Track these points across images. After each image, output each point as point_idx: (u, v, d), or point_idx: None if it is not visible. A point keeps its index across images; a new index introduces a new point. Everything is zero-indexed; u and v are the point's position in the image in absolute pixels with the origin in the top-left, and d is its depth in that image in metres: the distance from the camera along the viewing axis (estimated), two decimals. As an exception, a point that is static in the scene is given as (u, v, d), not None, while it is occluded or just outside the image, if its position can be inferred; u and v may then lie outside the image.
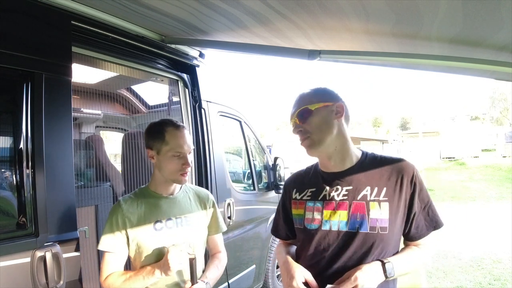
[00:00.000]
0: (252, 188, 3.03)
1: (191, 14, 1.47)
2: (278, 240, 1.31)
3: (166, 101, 2.69)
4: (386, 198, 0.99)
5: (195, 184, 2.14)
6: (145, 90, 3.29)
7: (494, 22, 0.96)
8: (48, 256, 1.16)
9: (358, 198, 1.00)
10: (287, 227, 1.20)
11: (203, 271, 1.31)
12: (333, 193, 1.04)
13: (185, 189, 1.37)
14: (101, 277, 1.18)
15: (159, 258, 1.18)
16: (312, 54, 1.67)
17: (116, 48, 1.72)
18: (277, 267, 3.21)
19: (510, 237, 5.01)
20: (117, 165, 2.73)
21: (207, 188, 2.18)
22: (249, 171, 3.07)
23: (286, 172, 3.19)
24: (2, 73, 1.17)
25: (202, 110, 2.24)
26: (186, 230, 1.27)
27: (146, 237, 1.19)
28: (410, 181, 1.00)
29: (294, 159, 9.11)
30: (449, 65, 1.46)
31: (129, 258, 1.24)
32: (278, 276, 3.23)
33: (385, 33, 1.30)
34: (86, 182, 2.24)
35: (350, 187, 1.02)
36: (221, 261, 1.40)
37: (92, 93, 2.72)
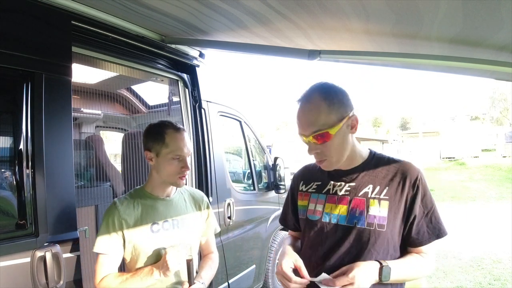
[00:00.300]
0: (252, 188, 3.02)
1: (191, 14, 1.47)
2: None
3: (166, 101, 2.69)
4: (387, 197, 0.99)
5: (195, 185, 2.15)
6: (145, 90, 3.30)
7: (494, 22, 0.96)
8: (48, 256, 1.16)
9: (359, 195, 1.02)
10: (294, 217, 1.21)
11: (197, 272, 1.32)
12: (337, 188, 1.06)
13: (180, 191, 1.37)
14: (95, 279, 1.16)
15: (156, 259, 1.18)
16: (312, 54, 1.67)
17: (116, 48, 1.72)
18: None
19: (510, 237, 5.01)
20: (117, 165, 2.73)
21: (207, 188, 2.18)
22: (249, 171, 3.07)
23: (286, 172, 3.19)
24: (2, 73, 1.17)
25: (202, 110, 2.24)
26: (182, 232, 1.27)
27: (143, 239, 1.19)
28: (413, 184, 1.00)
29: (294, 159, 9.11)
30: (449, 65, 1.46)
31: (123, 260, 1.24)
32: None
33: (385, 33, 1.30)
34: (86, 182, 2.25)
35: (353, 184, 1.04)
36: (214, 261, 1.41)
37: (92, 93, 2.72)
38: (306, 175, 1.20)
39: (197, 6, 1.37)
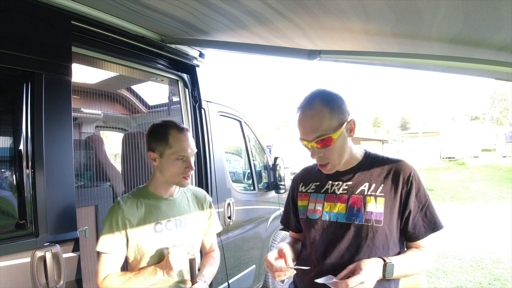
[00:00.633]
0: (252, 188, 3.02)
1: (191, 14, 1.47)
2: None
3: (166, 101, 2.69)
4: (383, 194, 1.04)
5: (195, 185, 2.14)
6: (145, 90, 3.29)
7: (494, 22, 0.96)
8: (48, 256, 1.16)
9: (356, 193, 1.07)
10: (295, 218, 1.24)
11: (199, 269, 1.32)
12: (335, 187, 1.11)
13: (183, 190, 1.37)
14: (98, 278, 1.16)
15: (159, 259, 1.18)
16: (312, 54, 1.67)
17: (116, 48, 1.72)
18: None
19: (510, 237, 5.01)
20: (117, 165, 2.73)
21: (207, 188, 2.18)
22: (249, 171, 3.07)
23: (286, 172, 3.19)
24: (2, 73, 1.17)
25: (202, 110, 2.24)
26: (185, 231, 1.27)
27: (146, 238, 1.19)
28: (406, 180, 1.04)
29: (294, 159, 9.11)
30: (449, 65, 1.46)
31: (126, 258, 1.24)
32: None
33: (385, 33, 1.30)
34: (86, 182, 2.24)
35: (350, 183, 1.09)
36: (215, 259, 1.42)
37: (92, 93, 2.71)
38: (305, 176, 1.24)
39: (197, 6, 1.37)
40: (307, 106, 1.04)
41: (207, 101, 2.31)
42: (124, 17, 1.63)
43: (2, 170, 1.23)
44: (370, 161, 1.11)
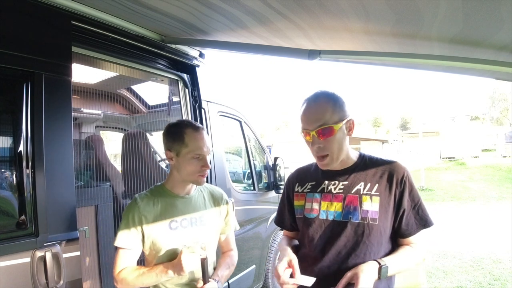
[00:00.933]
0: (252, 188, 3.02)
1: (191, 14, 1.47)
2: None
3: (166, 101, 2.69)
4: (378, 193, 1.09)
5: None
6: (145, 90, 3.30)
7: (494, 22, 0.96)
8: (48, 256, 1.16)
9: (352, 192, 1.11)
10: (291, 217, 1.27)
11: (214, 269, 1.34)
12: (331, 187, 1.15)
13: (200, 188, 1.38)
14: (114, 270, 1.21)
15: (173, 257, 1.20)
16: (312, 54, 1.67)
17: (116, 48, 1.72)
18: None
19: (510, 237, 5.01)
20: (117, 165, 2.73)
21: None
22: (249, 171, 3.07)
23: (286, 172, 3.19)
24: (2, 73, 1.17)
25: (202, 110, 2.24)
26: (200, 230, 1.29)
27: (161, 235, 1.22)
28: (400, 180, 1.09)
29: (294, 159, 9.11)
30: (449, 65, 1.46)
31: (143, 253, 1.27)
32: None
33: (385, 33, 1.30)
34: (86, 182, 2.24)
35: (346, 182, 1.13)
36: (232, 259, 1.42)
37: (92, 93, 2.72)
38: (300, 177, 1.27)
39: (197, 6, 1.37)
40: (312, 99, 1.11)
41: (207, 101, 2.31)
42: (124, 17, 1.63)
43: (2, 170, 1.23)
44: (365, 162, 1.16)
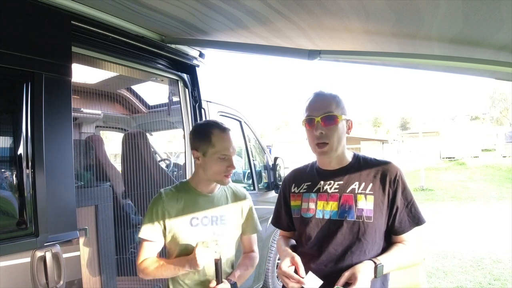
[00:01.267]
0: (252, 188, 3.02)
1: (191, 14, 1.47)
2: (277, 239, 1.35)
3: (166, 101, 2.69)
4: (372, 192, 1.13)
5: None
6: (145, 90, 3.30)
7: (494, 22, 0.96)
8: (48, 256, 1.16)
9: (347, 191, 1.15)
10: (288, 218, 1.30)
11: (233, 268, 1.35)
12: (326, 187, 1.18)
13: (223, 188, 1.38)
14: (138, 259, 1.26)
15: (192, 252, 1.21)
16: (312, 54, 1.67)
17: (116, 48, 1.72)
18: (277, 266, 3.21)
19: (510, 237, 5.01)
20: (117, 165, 2.73)
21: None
22: (249, 171, 3.07)
23: (286, 172, 3.19)
24: (2, 73, 1.17)
25: (202, 110, 2.24)
26: (220, 228, 1.30)
27: (182, 231, 1.25)
28: (393, 180, 1.14)
29: (294, 159, 9.11)
30: (449, 65, 1.46)
31: (165, 245, 1.31)
32: (278, 276, 3.23)
33: (385, 33, 1.30)
34: (86, 182, 2.24)
35: (341, 182, 1.17)
36: (252, 260, 1.41)
37: (92, 93, 2.72)
38: (296, 177, 1.30)
39: (197, 6, 1.37)
40: (319, 93, 1.20)
41: (207, 101, 2.31)
42: (124, 17, 1.63)
43: (2, 170, 1.23)
44: (359, 162, 1.20)
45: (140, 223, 2.60)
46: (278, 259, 1.19)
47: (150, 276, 1.24)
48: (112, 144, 3.73)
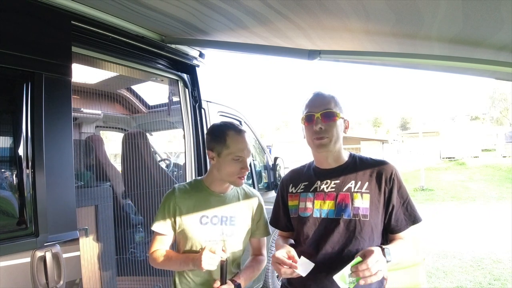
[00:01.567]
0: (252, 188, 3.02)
1: (191, 14, 1.47)
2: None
3: (166, 101, 2.69)
4: (368, 191, 1.15)
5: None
6: (145, 90, 3.30)
7: (494, 22, 0.96)
8: (48, 256, 1.16)
9: (344, 190, 1.16)
10: (286, 218, 1.32)
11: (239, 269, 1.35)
12: (323, 186, 1.20)
13: (236, 189, 1.39)
14: (150, 250, 1.31)
15: (199, 250, 1.23)
16: (312, 54, 1.67)
17: (116, 48, 1.72)
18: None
19: (510, 237, 5.01)
20: (117, 165, 2.73)
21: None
22: (249, 171, 3.07)
23: (286, 172, 3.19)
24: (2, 73, 1.17)
25: (202, 110, 2.23)
26: (228, 229, 1.30)
27: (191, 228, 1.27)
28: (389, 178, 1.16)
29: (294, 159, 9.11)
30: (449, 65, 1.46)
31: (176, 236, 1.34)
32: (278, 276, 3.23)
33: (385, 33, 1.30)
34: (86, 182, 2.24)
35: (338, 181, 1.19)
36: (259, 263, 1.40)
37: (92, 93, 2.72)
38: (294, 178, 1.32)
39: (197, 6, 1.37)
40: (319, 92, 1.24)
41: (207, 101, 2.31)
42: (124, 17, 1.63)
43: (2, 170, 1.23)
44: (355, 162, 1.23)
45: (140, 223, 2.61)
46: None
47: (159, 266, 1.29)
48: (112, 144, 3.73)
